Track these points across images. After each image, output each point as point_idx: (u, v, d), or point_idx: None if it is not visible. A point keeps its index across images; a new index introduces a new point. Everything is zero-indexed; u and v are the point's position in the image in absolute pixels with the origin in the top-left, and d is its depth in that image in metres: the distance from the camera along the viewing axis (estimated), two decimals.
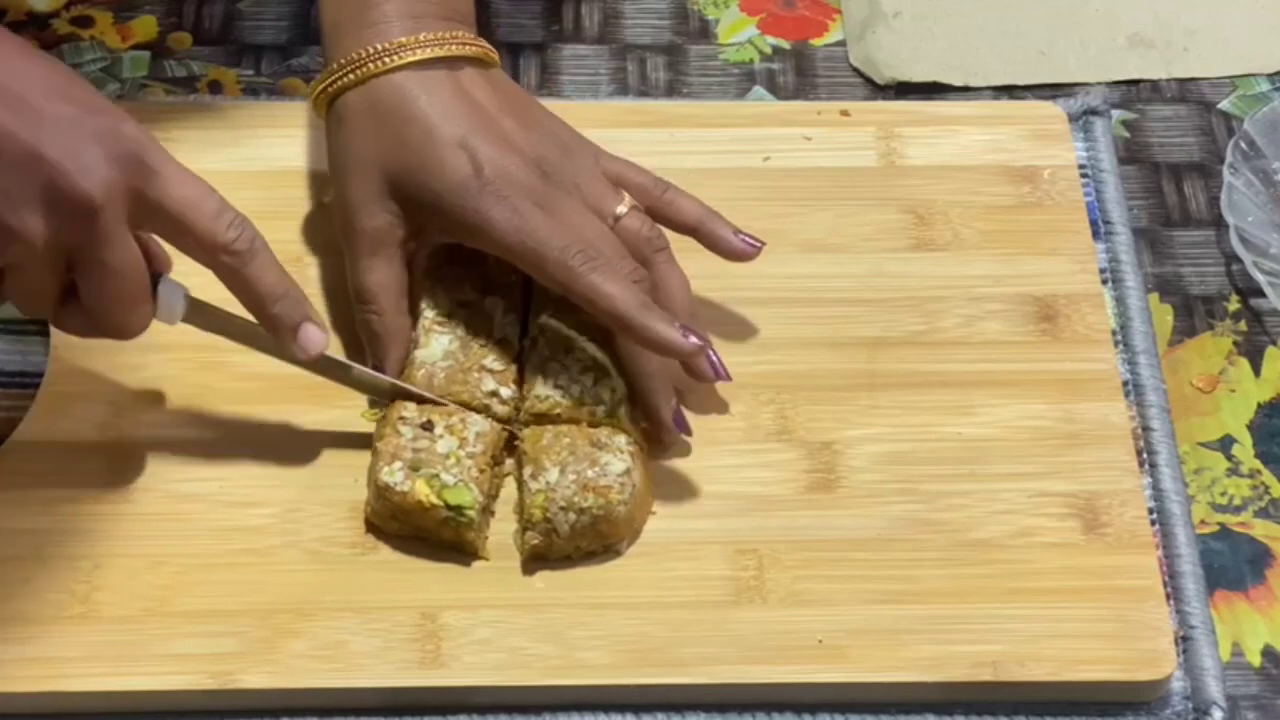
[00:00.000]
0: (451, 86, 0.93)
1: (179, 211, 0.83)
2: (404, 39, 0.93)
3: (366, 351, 0.94)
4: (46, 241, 0.81)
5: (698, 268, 0.97)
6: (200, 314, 0.89)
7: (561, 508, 0.88)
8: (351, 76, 0.93)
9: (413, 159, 0.91)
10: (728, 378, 0.92)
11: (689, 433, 0.92)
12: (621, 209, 0.93)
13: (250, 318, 0.88)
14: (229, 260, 0.85)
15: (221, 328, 0.90)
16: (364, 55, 0.92)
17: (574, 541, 0.88)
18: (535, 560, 0.89)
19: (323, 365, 0.90)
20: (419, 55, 0.92)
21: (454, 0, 0.96)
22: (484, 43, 0.95)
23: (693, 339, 0.88)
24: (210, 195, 0.84)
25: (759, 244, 0.95)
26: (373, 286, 0.93)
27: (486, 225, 0.90)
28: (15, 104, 0.79)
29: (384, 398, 0.92)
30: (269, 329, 0.88)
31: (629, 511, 0.89)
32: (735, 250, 0.95)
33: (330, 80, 0.93)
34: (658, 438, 0.92)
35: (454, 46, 0.93)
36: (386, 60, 0.92)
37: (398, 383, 0.91)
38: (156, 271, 0.86)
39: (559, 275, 0.89)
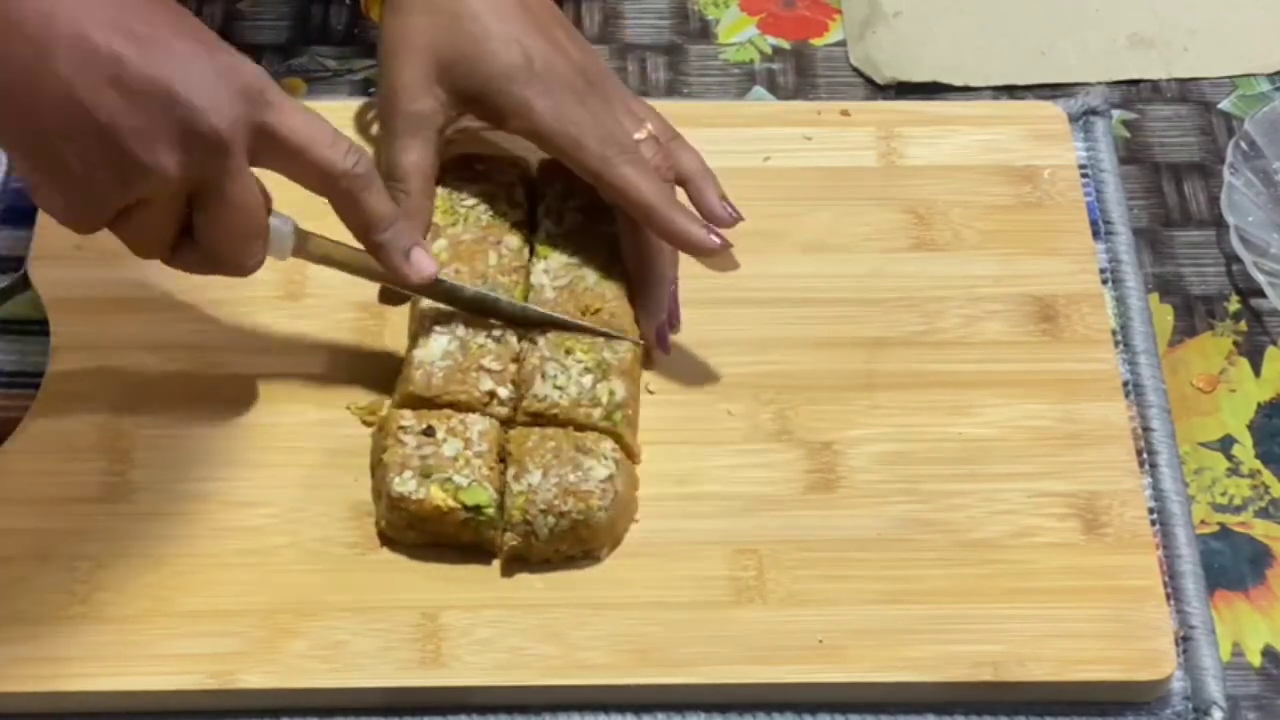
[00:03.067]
0: None
1: (299, 142, 0.84)
2: None
3: None
4: (179, 178, 0.81)
5: (698, 268, 0.97)
6: (308, 245, 0.90)
7: (541, 510, 0.88)
8: None
9: (466, 48, 0.95)
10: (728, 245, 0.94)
11: (667, 350, 0.96)
12: (640, 135, 0.96)
13: (356, 246, 0.90)
14: (348, 186, 0.86)
15: (329, 257, 0.91)
16: None
17: (553, 545, 0.88)
18: (514, 561, 0.89)
19: (433, 290, 0.92)
20: None
21: None
22: None
23: (714, 238, 0.92)
24: (324, 125, 0.86)
25: (737, 216, 0.95)
26: (406, 166, 0.95)
27: (530, 109, 0.94)
28: (147, 43, 0.80)
29: (486, 312, 0.94)
30: (379, 255, 0.89)
31: (609, 518, 0.89)
32: (714, 213, 0.95)
33: None
34: (645, 334, 0.95)
35: None
36: None
37: (514, 301, 0.93)
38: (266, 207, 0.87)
39: (594, 163, 0.93)
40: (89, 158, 0.80)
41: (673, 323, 0.96)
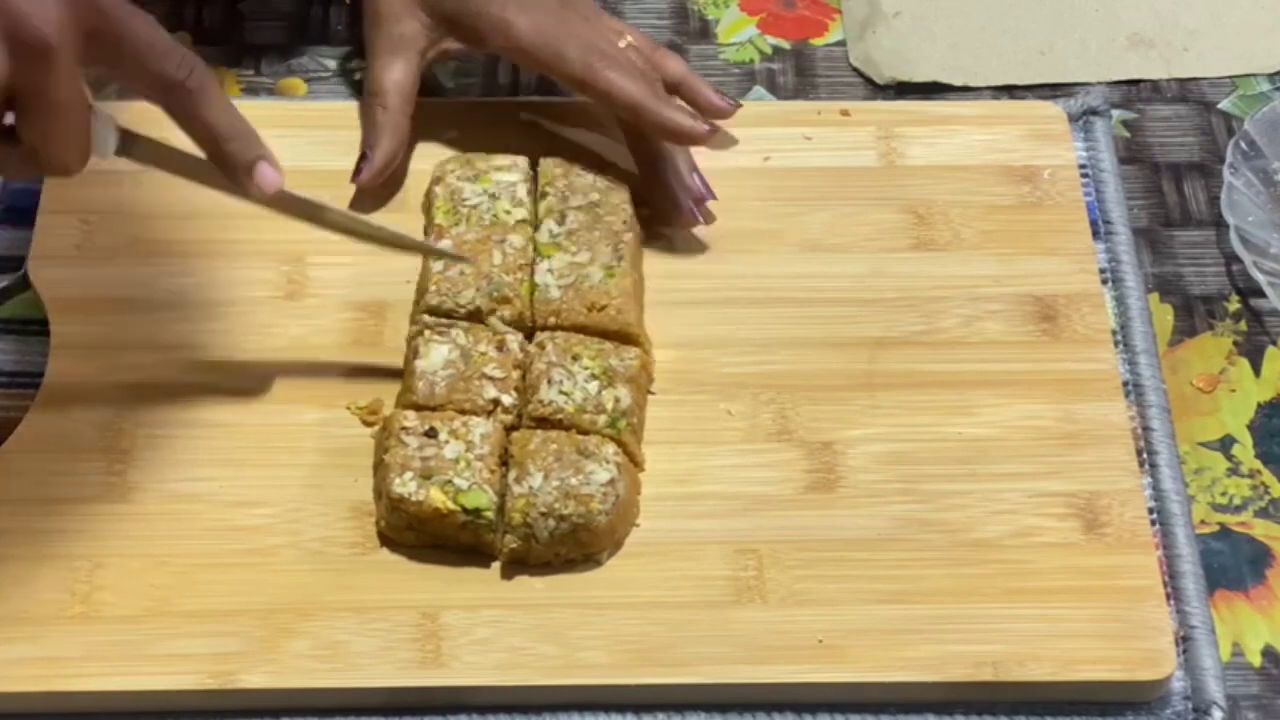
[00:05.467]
0: None
1: (130, 50, 0.84)
2: None
3: (362, 137, 1.01)
4: (4, 82, 0.81)
5: (698, 268, 0.97)
6: (135, 146, 0.88)
7: (542, 513, 0.88)
8: None
9: None
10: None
11: (709, 219, 1.00)
12: (623, 44, 1.00)
13: (194, 151, 0.88)
14: (180, 98, 0.86)
15: (159, 160, 0.89)
16: None
17: (553, 548, 0.88)
18: (514, 564, 0.89)
19: (283, 203, 0.90)
20: None
21: None
22: None
23: (703, 125, 0.97)
24: (159, 33, 0.85)
25: (736, 104, 1.02)
26: (387, 83, 1.01)
27: (509, 27, 0.98)
28: None
29: (356, 238, 0.94)
30: (223, 168, 0.88)
31: (610, 522, 0.89)
32: (714, 105, 1.01)
33: None
34: (679, 217, 1.00)
35: None
36: None
37: (359, 217, 0.94)
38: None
39: (577, 71, 0.97)
40: None
41: (709, 191, 1.00)
